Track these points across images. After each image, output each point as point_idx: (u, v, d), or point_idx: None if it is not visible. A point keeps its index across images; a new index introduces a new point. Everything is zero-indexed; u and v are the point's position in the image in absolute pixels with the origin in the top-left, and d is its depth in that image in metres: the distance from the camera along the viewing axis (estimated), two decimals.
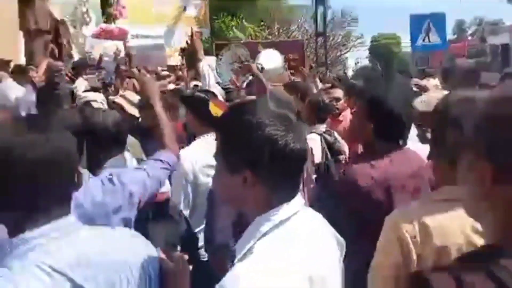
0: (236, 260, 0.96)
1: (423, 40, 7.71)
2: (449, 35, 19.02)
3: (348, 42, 25.43)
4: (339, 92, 3.43)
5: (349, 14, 22.54)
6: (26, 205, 1.04)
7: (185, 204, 2.28)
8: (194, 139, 2.65)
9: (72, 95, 5.94)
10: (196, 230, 2.21)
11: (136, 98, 3.93)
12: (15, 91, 6.38)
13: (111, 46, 7.57)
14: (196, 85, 7.93)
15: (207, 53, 14.42)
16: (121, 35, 8.67)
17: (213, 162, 2.36)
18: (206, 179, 2.35)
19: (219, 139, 1.08)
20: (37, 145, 1.02)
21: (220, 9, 17.42)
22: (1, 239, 1.10)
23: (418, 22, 7.92)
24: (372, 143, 1.92)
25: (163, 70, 8.30)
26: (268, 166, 0.97)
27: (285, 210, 1.00)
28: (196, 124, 2.51)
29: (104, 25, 10.08)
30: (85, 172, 1.66)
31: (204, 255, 2.11)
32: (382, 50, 44.33)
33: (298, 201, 1.04)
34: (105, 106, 3.29)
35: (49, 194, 1.07)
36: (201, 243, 2.15)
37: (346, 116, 3.47)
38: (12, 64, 7.52)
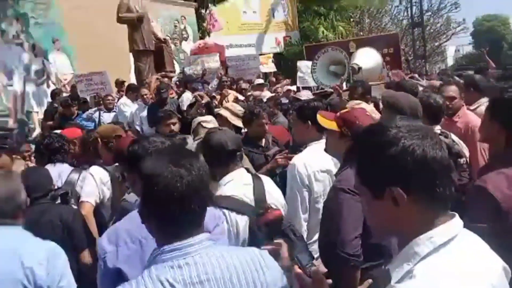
0: (393, 282, 0.93)
1: None
2: None
3: (448, 29, 23.49)
4: (453, 90, 3.16)
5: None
6: (172, 222, 1.18)
7: (302, 208, 2.32)
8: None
9: (178, 107, 6.41)
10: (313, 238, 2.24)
11: (240, 109, 4.05)
12: (130, 107, 7.05)
13: (210, 61, 7.99)
14: (289, 90, 8.02)
15: (298, 56, 14.52)
16: (218, 49, 9.10)
17: (326, 167, 2.36)
18: (319, 186, 2.34)
19: (356, 170, 1.05)
20: (183, 176, 1.16)
21: (308, 11, 17.32)
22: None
23: None
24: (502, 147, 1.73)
25: (258, 78, 8.49)
26: (414, 180, 0.93)
27: (443, 231, 0.93)
28: (305, 132, 2.53)
29: (201, 41, 10.69)
30: None
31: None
32: (487, 34, 40.25)
33: (457, 222, 0.97)
34: (216, 124, 3.46)
35: (193, 215, 1.19)
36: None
37: (463, 115, 3.18)
38: (125, 84, 8.35)
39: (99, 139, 3.02)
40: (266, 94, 7.87)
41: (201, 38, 13.01)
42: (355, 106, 3.01)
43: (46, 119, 7.17)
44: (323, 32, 16.42)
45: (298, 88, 7.95)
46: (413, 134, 0.97)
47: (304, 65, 7.79)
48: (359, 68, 5.72)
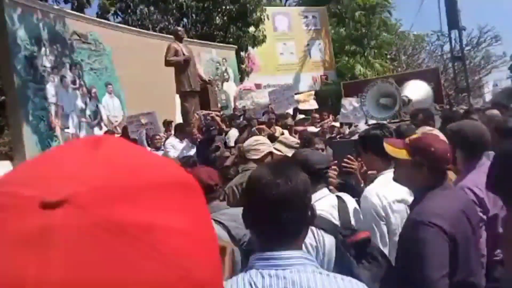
0: None
1: None
2: None
3: (489, 63, 23.07)
4: None
5: (488, 33, 20.54)
6: (266, 230, 1.23)
7: (382, 242, 2.19)
8: None
9: (225, 144, 6.52)
10: None
11: (293, 140, 4.05)
12: (174, 149, 7.21)
13: (260, 96, 8.16)
14: (333, 126, 8.00)
15: (335, 94, 14.56)
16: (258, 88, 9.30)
17: (401, 196, 2.28)
18: (397, 218, 2.25)
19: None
20: (279, 185, 1.21)
21: (343, 50, 17.58)
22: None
23: None
24: None
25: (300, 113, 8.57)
26: None
27: None
28: (375, 161, 2.46)
29: (242, 85, 11.02)
30: None
31: None
32: None
33: None
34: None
35: (286, 226, 1.20)
36: None
37: None
38: (173, 124, 8.61)
39: None
40: (312, 130, 7.90)
41: (241, 79, 13.39)
42: (427, 132, 2.93)
43: None
44: (360, 70, 16.53)
45: (341, 124, 7.95)
46: None
47: (347, 103, 7.80)
48: (409, 100, 5.65)
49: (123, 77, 9.63)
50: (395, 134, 2.84)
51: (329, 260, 1.82)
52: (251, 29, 13.69)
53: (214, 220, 2.05)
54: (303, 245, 1.79)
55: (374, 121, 7.75)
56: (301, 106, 9.80)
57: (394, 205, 2.25)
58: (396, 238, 2.21)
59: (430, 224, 1.71)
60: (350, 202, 2.10)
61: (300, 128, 7.59)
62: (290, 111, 8.18)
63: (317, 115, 8.82)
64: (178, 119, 9.51)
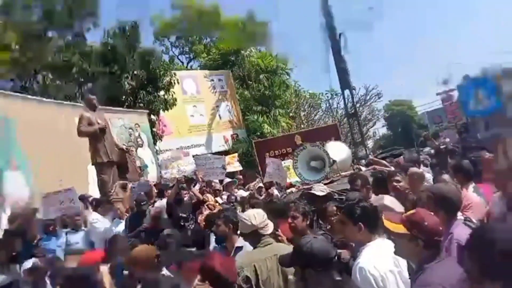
0: None
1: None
2: None
3: (373, 116, 26.16)
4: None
5: (372, 91, 23.62)
6: None
7: None
8: None
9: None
10: None
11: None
12: (102, 223, 6.66)
13: (185, 164, 8.00)
14: (260, 187, 8.16)
15: (247, 153, 14.96)
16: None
17: (391, 267, 2.40)
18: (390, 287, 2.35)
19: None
20: None
21: (250, 110, 18.45)
22: None
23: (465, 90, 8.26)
24: None
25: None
26: None
27: None
28: (357, 233, 2.55)
29: (166, 154, 10.78)
30: None
31: None
32: (398, 117, 45.24)
33: None
34: None
35: None
36: None
37: None
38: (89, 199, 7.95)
39: None
40: (241, 193, 7.95)
41: (154, 143, 13.11)
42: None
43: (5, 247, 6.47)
44: (267, 129, 17.39)
45: (265, 184, 8.16)
46: None
47: (271, 163, 8.07)
48: (334, 161, 6.08)
49: (28, 149, 8.78)
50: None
51: None
52: (161, 93, 13.70)
53: None
54: None
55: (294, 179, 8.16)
56: (228, 169, 9.86)
57: (389, 274, 2.36)
58: None
59: None
60: None
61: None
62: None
63: (241, 177, 8.94)
64: (91, 191, 8.87)
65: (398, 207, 3.18)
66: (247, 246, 3.21)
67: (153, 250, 3.18)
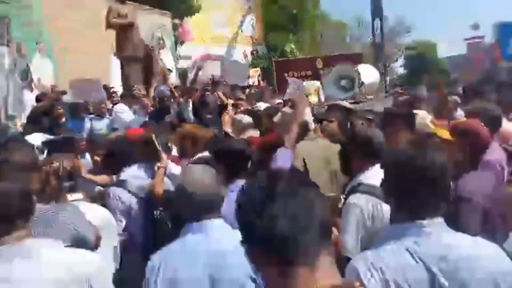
0: None
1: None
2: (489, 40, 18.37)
3: (396, 52, 25.39)
4: None
5: (402, 25, 22.65)
6: None
7: None
8: None
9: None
10: None
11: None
12: (128, 114, 6.86)
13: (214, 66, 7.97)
14: (280, 103, 8.25)
15: (267, 69, 14.87)
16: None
17: None
18: None
19: None
20: None
21: (274, 27, 17.88)
22: None
23: (507, 30, 7.95)
24: None
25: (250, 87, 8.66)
26: None
27: None
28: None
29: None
30: None
31: None
32: (418, 58, 43.67)
33: None
34: None
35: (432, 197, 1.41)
36: None
37: None
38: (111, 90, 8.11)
39: None
40: (262, 105, 8.06)
41: (175, 48, 12.96)
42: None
43: (32, 122, 6.72)
44: (289, 47, 16.99)
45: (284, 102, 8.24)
46: None
47: (292, 83, 8.07)
48: (362, 83, 6.10)
49: (54, 36, 8.76)
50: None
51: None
52: None
53: None
54: (361, 215, 1.99)
55: None
56: (250, 81, 9.89)
57: None
58: None
59: None
60: None
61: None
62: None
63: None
64: (114, 83, 8.99)
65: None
66: None
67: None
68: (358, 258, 1.37)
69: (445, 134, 2.25)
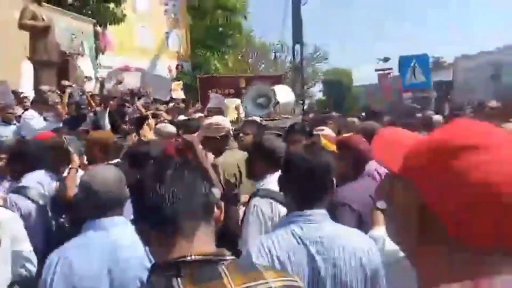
0: None
1: (410, 78, 8.71)
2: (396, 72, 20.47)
3: (316, 77, 27.00)
4: None
5: (319, 51, 24.35)
6: None
7: None
8: None
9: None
10: None
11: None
12: (37, 120, 6.50)
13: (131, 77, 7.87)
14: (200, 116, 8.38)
15: (189, 86, 14.94)
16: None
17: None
18: None
19: None
20: None
21: (200, 44, 18.08)
22: None
23: (406, 62, 8.95)
24: None
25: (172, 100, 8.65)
26: None
27: None
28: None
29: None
30: None
31: None
32: (335, 84, 46.76)
33: None
34: None
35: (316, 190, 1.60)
36: None
37: None
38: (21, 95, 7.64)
39: None
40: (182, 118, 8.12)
41: (96, 57, 12.52)
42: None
43: None
44: (215, 65, 17.28)
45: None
46: None
47: (214, 98, 8.29)
48: (277, 102, 6.47)
49: None
50: None
51: None
52: (111, 5, 12.93)
53: None
54: (261, 215, 2.19)
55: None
56: (173, 95, 9.85)
57: None
58: None
59: None
60: None
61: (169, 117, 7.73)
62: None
63: (183, 105, 9.05)
64: (25, 88, 8.47)
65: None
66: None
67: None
68: (252, 244, 1.58)
69: (333, 147, 2.54)
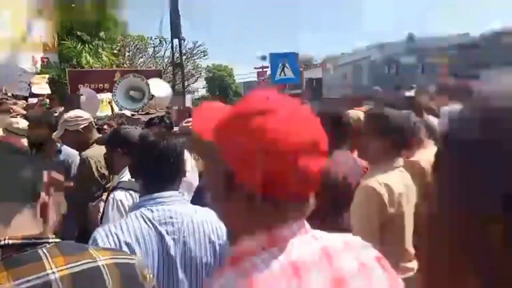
0: None
1: (280, 74, 9.28)
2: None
3: (197, 72, 26.92)
4: None
5: (199, 47, 24.41)
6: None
7: None
8: None
9: None
10: None
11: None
12: None
13: None
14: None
15: (57, 80, 13.70)
16: None
17: None
18: None
19: None
20: None
21: (70, 35, 16.62)
22: None
23: (276, 60, 9.51)
24: None
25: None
26: None
27: None
28: None
29: None
30: None
31: None
32: (218, 81, 47.67)
33: None
34: None
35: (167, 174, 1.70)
36: None
37: None
38: None
39: None
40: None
41: None
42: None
43: None
44: (85, 58, 16.05)
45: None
46: None
47: (85, 93, 7.79)
48: (153, 96, 6.36)
49: None
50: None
51: None
52: None
53: None
54: (121, 206, 2.17)
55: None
56: (34, 90, 8.83)
57: None
58: None
59: None
60: None
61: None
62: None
63: (48, 100, 8.28)
64: None
65: None
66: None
67: None
68: (99, 229, 1.56)
69: None
